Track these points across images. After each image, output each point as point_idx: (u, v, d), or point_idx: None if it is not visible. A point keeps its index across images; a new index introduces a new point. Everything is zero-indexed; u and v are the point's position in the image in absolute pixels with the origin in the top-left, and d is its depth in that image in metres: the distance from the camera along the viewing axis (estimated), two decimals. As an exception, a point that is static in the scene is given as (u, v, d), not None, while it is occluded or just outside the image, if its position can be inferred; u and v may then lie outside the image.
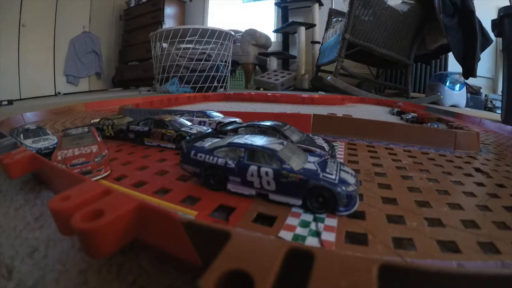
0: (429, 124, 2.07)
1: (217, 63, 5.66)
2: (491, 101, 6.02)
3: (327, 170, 0.77)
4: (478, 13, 4.68)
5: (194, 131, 1.35)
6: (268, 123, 1.28)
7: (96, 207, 0.46)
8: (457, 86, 5.19)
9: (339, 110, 2.92)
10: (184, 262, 0.46)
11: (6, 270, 0.50)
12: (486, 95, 6.19)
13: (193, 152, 0.90)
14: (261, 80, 6.77)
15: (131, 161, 1.16)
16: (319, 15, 7.33)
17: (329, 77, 5.26)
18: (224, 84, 5.93)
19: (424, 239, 0.62)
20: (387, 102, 4.19)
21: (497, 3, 4.57)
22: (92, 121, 1.83)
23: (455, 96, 5.19)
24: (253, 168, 0.78)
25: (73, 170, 0.90)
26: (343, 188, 0.71)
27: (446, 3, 4.69)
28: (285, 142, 0.88)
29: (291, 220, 0.68)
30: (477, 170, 1.15)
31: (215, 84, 5.65)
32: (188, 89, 5.38)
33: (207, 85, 5.53)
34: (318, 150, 1.09)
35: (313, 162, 0.81)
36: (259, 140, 0.86)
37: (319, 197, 0.72)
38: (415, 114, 2.51)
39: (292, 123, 1.55)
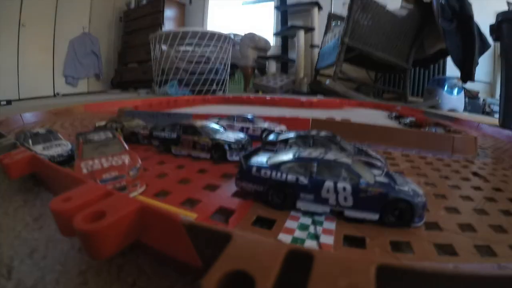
0: (427, 129, 2.08)
1: (216, 66, 5.66)
2: (489, 106, 6.03)
3: (398, 182, 0.74)
4: (476, 18, 4.70)
5: (232, 140, 1.19)
6: (322, 134, 1.14)
7: (97, 209, 0.47)
8: (455, 91, 5.21)
9: (337, 114, 2.93)
10: (184, 264, 0.47)
11: (5, 269, 0.51)
12: (484, 100, 6.20)
13: (254, 168, 0.81)
14: (260, 83, 6.78)
15: (165, 172, 1.04)
16: (318, 19, 7.35)
17: (327, 81, 5.27)
18: (223, 87, 5.93)
19: (422, 243, 0.62)
20: (385, 106, 4.20)
21: (495, 8, 4.59)
22: (97, 124, 1.70)
23: (453, 100, 5.20)
24: (328, 184, 0.73)
25: (104, 186, 0.68)
26: (419, 199, 0.70)
27: (445, 8, 4.71)
28: (350, 155, 0.87)
29: (290, 223, 0.69)
30: (475, 174, 1.16)
31: (214, 87, 5.65)
32: (187, 91, 5.38)
33: (206, 88, 5.54)
34: (378, 163, 1.01)
35: (381, 175, 0.78)
36: (328, 154, 0.80)
37: (395, 210, 0.69)
38: (413, 119, 2.52)
39: (291, 127, 1.56)
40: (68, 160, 1.07)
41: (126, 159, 0.91)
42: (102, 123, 1.67)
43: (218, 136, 1.21)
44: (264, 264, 0.32)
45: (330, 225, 0.69)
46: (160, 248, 0.50)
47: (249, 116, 1.66)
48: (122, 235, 0.45)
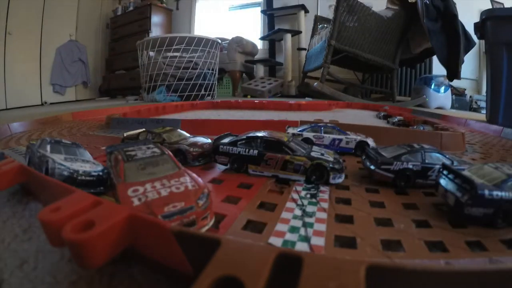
0: (415, 127, 2.10)
1: (204, 71, 5.66)
2: (475, 102, 6.11)
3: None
4: (461, 17, 4.77)
5: (331, 159, 1.00)
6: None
7: (86, 218, 0.46)
8: (442, 89, 5.27)
9: (326, 116, 2.94)
10: (175, 271, 0.46)
11: (-5, 283, 0.50)
12: (470, 96, 6.28)
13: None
14: (248, 87, 6.79)
15: (240, 195, 0.87)
16: (305, 22, 7.39)
17: (315, 83, 5.29)
18: (212, 92, 5.92)
19: (412, 240, 0.62)
20: (373, 106, 4.23)
21: (479, 7, 4.67)
22: (125, 134, 1.42)
23: (440, 98, 5.27)
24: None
25: (168, 222, 0.50)
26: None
27: (429, 7, 4.76)
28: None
29: (280, 226, 0.68)
30: (463, 171, 1.17)
31: (202, 92, 5.64)
32: (176, 97, 5.37)
33: (194, 93, 5.52)
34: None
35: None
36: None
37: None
38: (401, 117, 2.54)
39: (279, 130, 1.56)
40: (97, 183, 0.85)
41: (188, 182, 0.70)
42: (133, 133, 1.42)
43: (314, 155, 1.02)
44: (254, 268, 0.31)
45: (321, 226, 0.69)
46: (151, 255, 0.49)
47: (330, 125, 1.47)
48: (112, 244, 0.45)
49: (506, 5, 5.65)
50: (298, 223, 0.70)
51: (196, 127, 1.91)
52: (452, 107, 5.50)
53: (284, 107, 4.02)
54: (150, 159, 0.78)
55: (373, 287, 0.30)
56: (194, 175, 0.75)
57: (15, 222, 0.72)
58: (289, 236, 0.64)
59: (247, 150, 1.05)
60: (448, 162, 0.95)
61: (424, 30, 4.78)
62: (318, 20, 6.64)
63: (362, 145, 1.38)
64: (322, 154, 1.03)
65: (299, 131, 1.46)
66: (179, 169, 0.78)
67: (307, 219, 0.72)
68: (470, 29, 3.76)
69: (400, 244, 0.62)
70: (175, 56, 5.50)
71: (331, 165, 0.96)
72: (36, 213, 0.72)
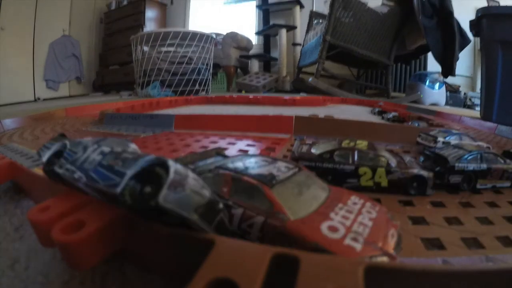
0: (410, 123, 2.10)
1: (198, 66, 5.63)
2: (470, 99, 6.13)
3: None
4: (457, 14, 4.78)
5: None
6: None
7: (76, 218, 0.45)
8: (437, 85, 5.29)
9: (321, 111, 2.93)
10: (169, 271, 0.45)
11: (-15, 282, 0.49)
12: (465, 93, 6.31)
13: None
14: (242, 82, 6.77)
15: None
16: (300, 17, 7.38)
17: (310, 79, 5.30)
18: (206, 87, 5.90)
19: (409, 238, 0.62)
20: (368, 102, 4.23)
21: (475, 4, 4.68)
22: (327, 149, 0.94)
23: (435, 94, 5.28)
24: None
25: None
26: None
27: (425, 4, 4.77)
28: None
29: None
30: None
31: (197, 87, 5.62)
32: (170, 92, 5.34)
33: (188, 88, 5.50)
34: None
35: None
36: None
37: None
38: (396, 114, 2.54)
39: (274, 125, 1.55)
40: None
41: (372, 211, 0.53)
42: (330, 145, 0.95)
43: None
44: (249, 270, 0.31)
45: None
46: (144, 255, 0.48)
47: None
48: (103, 245, 0.44)
49: (502, 3, 5.67)
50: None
51: (190, 122, 1.89)
52: (447, 103, 5.52)
53: (279, 102, 4.01)
54: (296, 178, 0.56)
55: (371, 287, 0.30)
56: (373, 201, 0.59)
57: (7, 220, 0.71)
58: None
59: (479, 164, 0.92)
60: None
61: (419, 27, 4.79)
62: (314, 15, 6.63)
63: None
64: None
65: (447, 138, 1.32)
66: (330, 189, 0.59)
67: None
68: (466, 26, 3.77)
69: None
70: (169, 51, 5.47)
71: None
72: (27, 211, 0.70)
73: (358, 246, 0.42)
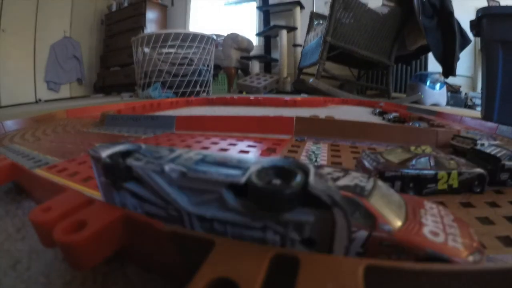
0: (410, 124, 2.09)
1: (199, 67, 5.64)
2: (471, 99, 6.13)
3: None
4: (457, 14, 4.78)
5: None
6: None
7: (78, 218, 0.45)
8: (437, 86, 5.28)
9: (321, 112, 2.93)
10: (170, 271, 0.45)
11: (-14, 283, 0.49)
12: (466, 93, 6.30)
13: None
14: (243, 83, 6.78)
15: None
16: (301, 18, 7.38)
17: (311, 80, 5.30)
18: (207, 89, 5.91)
19: (409, 238, 0.62)
20: (369, 102, 4.23)
21: (475, 4, 4.68)
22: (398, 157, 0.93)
23: (435, 95, 5.28)
24: None
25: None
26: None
27: (425, 4, 4.77)
28: None
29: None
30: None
31: (198, 88, 5.62)
32: (171, 94, 5.35)
33: (189, 89, 5.51)
34: None
35: None
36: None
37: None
38: (396, 114, 2.53)
39: (275, 126, 1.54)
40: None
41: (447, 214, 0.53)
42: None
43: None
44: (249, 270, 0.31)
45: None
46: (145, 255, 0.49)
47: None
48: (105, 245, 0.44)
49: (502, 3, 5.67)
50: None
51: (191, 123, 1.89)
52: (447, 104, 5.51)
53: (280, 103, 4.01)
54: (378, 187, 0.51)
55: (372, 287, 0.30)
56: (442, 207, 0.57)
57: (8, 221, 0.71)
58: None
59: None
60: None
61: (420, 27, 4.79)
62: (314, 16, 6.64)
63: None
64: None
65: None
66: (401, 196, 0.56)
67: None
68: (466, 26, 3.77)
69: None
70: (170, 53, 5.48)
71: None
72: (29, 212, 0.71)
73: (459, 247, 0.42)
